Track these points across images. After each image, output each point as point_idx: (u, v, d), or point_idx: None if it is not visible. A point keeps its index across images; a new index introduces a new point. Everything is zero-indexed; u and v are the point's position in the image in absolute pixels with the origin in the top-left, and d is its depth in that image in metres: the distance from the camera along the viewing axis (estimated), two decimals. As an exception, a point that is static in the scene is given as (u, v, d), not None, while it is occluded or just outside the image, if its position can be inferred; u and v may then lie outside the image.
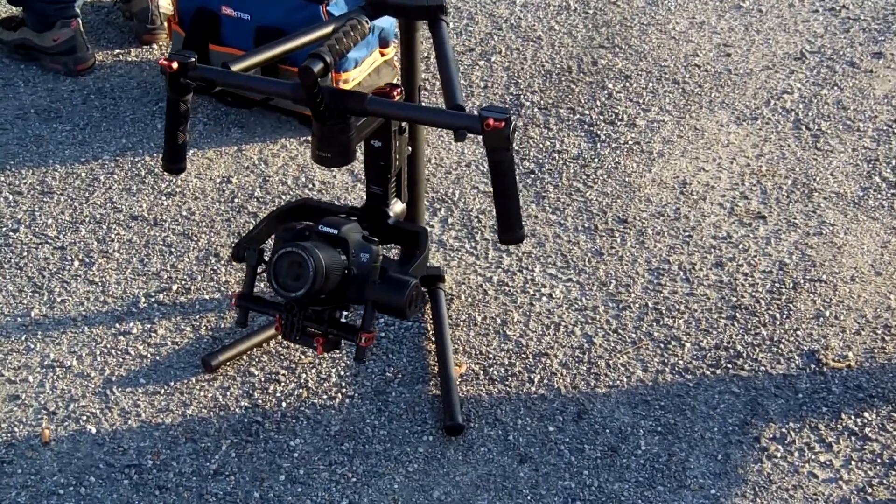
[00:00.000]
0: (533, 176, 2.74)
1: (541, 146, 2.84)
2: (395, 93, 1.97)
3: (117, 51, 3.23)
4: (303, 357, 2.24)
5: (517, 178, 1.86)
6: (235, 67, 1.96)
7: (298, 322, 1.85)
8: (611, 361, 2.24)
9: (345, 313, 1.89)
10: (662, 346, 2.28)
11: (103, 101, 3.01)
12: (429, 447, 2.07)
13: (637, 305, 2.37)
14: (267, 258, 1.82)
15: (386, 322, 2.33)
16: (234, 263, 2.39)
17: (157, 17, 3.20)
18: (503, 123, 1.78)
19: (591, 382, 2.20)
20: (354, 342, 1.82)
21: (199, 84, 1.96)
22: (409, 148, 2.20)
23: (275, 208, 2.52)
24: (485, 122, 1.78)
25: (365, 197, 2.05)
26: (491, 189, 2.61)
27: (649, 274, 2.45)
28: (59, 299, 2.38)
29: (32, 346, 2.27)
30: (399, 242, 2.07)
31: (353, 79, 2.82)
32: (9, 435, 2.09)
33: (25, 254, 2.50)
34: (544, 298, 2.39)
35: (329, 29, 2.01)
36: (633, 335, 2.30)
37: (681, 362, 2.24)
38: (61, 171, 2.75)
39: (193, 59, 1.95)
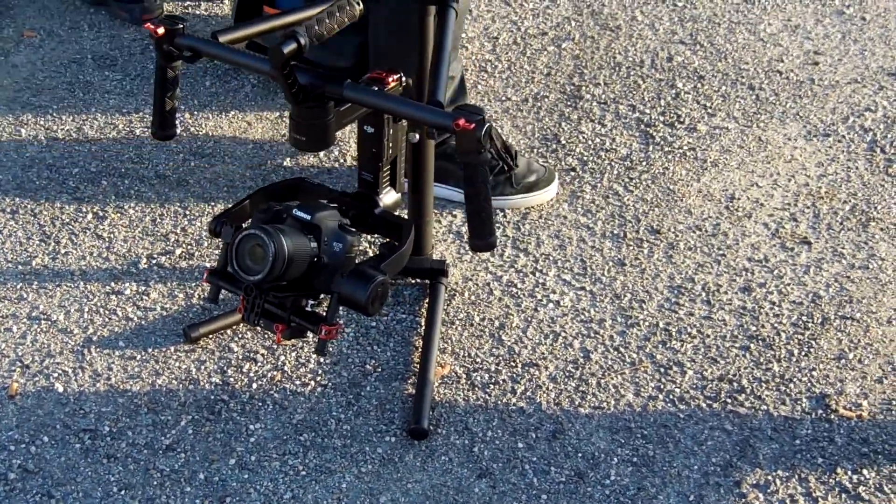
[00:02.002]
0: (573, 174, 2.61)
1: (589, 143, 2.71)
2: (389, 79, 1.87)
3: (188, 3, 3.21)
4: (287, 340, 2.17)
5: (488, 183, 1.74)
6: (223, 39, 1.89)
7: (258, 306, 1.78)
8: (603, 381, 2.11)
9: (311, 302, 1.81)
10: (662, 370, 2.13)
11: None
12: (388, 448, 1.98)
13: (647, 324, 2.23)
14: None
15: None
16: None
17: (229, -28, 3.16)
18: (473, 126, 1.67)
19: (575, 401, 2.07)
20: (315, 333, 1.75)
21: (185, 53, 1.90)
22: (416, 136, 2.10)
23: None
24: (455, 122, 1.67)
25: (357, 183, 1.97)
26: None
27: (669, 291, 2.30)
28: (62, 251, 2.36)
29: (25, 296, 2.26)
30: (384, 234, 1.98)
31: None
32: (-22, 383, 2.08)
33: (43, 201, 2.49)
34: (550, 305, 2.27)
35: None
36: (634, 355, 2.16)
37: (677, 390, 2.10)
38: (100, 121, 2.73)
39: (181, 26, 1.89)
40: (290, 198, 2.01)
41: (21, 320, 2.21)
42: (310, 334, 1.79)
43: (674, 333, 2.21)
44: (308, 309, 1.79)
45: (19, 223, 2.43)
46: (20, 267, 2.32)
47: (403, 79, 1.89)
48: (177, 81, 1.96)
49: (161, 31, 1.88)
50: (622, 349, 2.18)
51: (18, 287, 2.28)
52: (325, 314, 1.76)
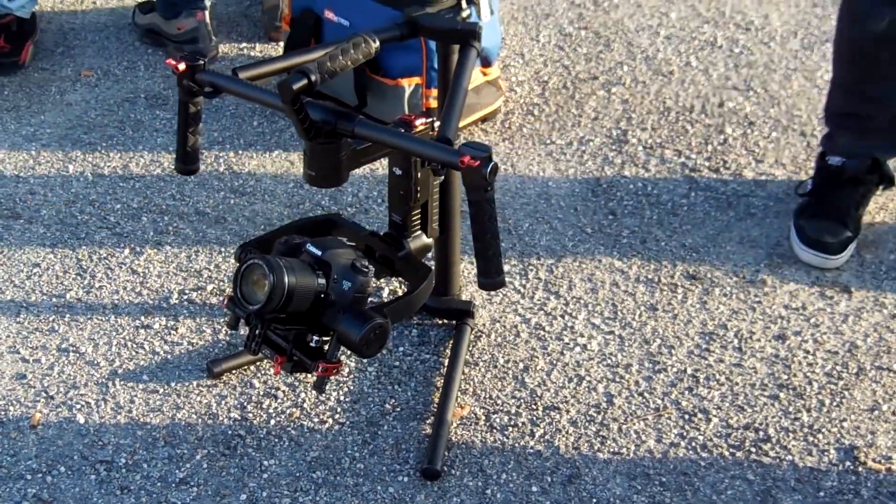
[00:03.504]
0: (611, 217, 2.58)
1: (630, 187, 2.67)
2: (418, 122, 1.86)
3: (244, 44, 3.25)
4: (310, 376, 2.16)
5: (497, 221, 1.72)
6: (244, 75, 1.91)
7: (259, 335, 1.78)
8: (624, 426, 2.07)
9: (316, 338, 1.80)
10: (686, 417, 2.08)
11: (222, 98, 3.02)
12: (400, 488, 1.96)
13: (674, 370, 2.18)
14: None
15: (403, 352, 2.23)
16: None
17: (286, 15, 3.20)
18: (478, 162, 1.65)
19: (595, 445, 2.03)
20: (312, 370, 1.74)
21: (206, 88, 1.93)
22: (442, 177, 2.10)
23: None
24: (461, 159, 1.66)
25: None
26: (566, 226, 2.48)
27: (700, 337, 2.25)
28: (97, 285, 2.39)
29: (56, 328, 2.29)
30: (406, 278, 1.97)
31: (443, 96, 2.72)
32: (2, 413, 2.11)
33: (83, 236, 2.53)
34: (577, 349, 2.23)
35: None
36: (659, 401, 2.12)
37: (700, 437, 2.04)
38: (146, 158, 2.78)
39: (202, 62, 1.91)
40: (323, 233, 2.02)
41: (50, 352, 2.24)
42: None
43: (701, 380, 2.16)
44: (312, 344, 1.78)
45: (58, 256, 2.47)
46: (54, 299, 2.36)
47: (435, 122, 1.89)
48: (199, 117, 1.98)
49: (182, 66, 1.90)
50: (647, 394, 2.13)
51: (51, 319, 2.31)
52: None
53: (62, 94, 3.01)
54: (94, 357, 2.22)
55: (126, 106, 2.98)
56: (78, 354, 2.23)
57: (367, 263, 1.75)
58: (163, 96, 3.02)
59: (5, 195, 2.65)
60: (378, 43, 1.82)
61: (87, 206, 2.62)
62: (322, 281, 1.70)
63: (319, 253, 1.74)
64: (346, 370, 2.17)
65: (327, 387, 2.13)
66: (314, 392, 2.13)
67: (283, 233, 1.94)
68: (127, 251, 2.48)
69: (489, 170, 1.66)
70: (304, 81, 1.70)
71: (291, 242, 1.84)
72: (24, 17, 3.06)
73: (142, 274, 2.42)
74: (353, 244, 1.95)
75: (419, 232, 1.94)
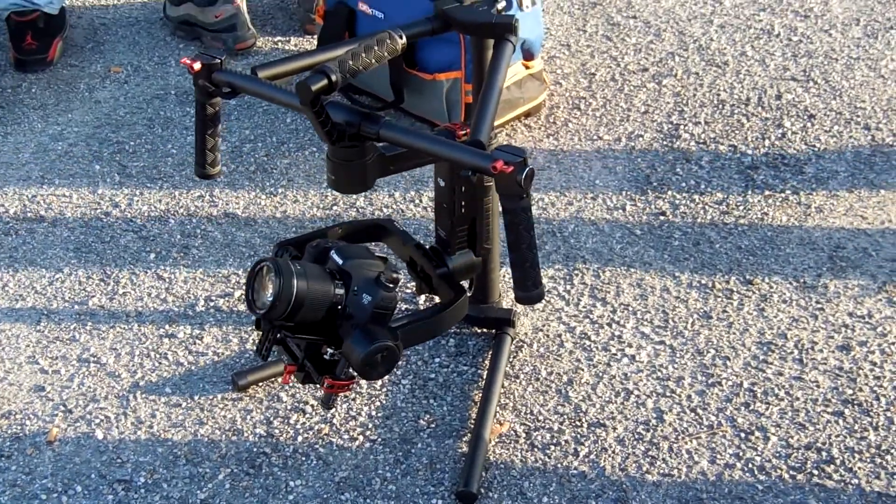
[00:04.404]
0: (662, 218, 2.43)
1: (683, 184, 2.52)
2: (461, 132, 1.74)
3: (278, 38, 3.14)
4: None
5: (534, 230, 1.59)
6: (262, 74, 1.80)
7: (269, 340, 1.67)
8: (675, 445, 1.93)
9: (331, 350, 1.68)
10: (743, 435, 1.94)
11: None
12: (434, 513, 1.83)
13: (729, 383, 2.04)
14: None
15: (440, 363, 2.10)
16: None
17: (321, 7, 3.09)
18: (512, 168, 1.52)
19: (643, 466, 1.89)
20: (318, 384, 1.63)
21: (224, 89, 1.81)
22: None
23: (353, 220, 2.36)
24: (493, 164, 1.53)
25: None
26: (614, 227, 2.34)
27: (757, 348, 2.11)
28: (121, 291, 2.29)
29: (77, 337, 2.19)
30: (440, 298, 1.84)
31: (484, 90, 2.58)
32: (19, 427, 2.01)
33: (108, 240, 2.42)
34: (625, 360, 2.09)
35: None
36: (713, 417, 1.97)
37: (758, 458, 1.90)
38: (176, 158, 2.67)
39: (219, 61, 1.80)
40: (372, 238, 1.91)
41: (70, 362, 2.13)
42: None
43: (759, 395, 2.01)
44: (326, 357, 1.66)
45: (81, 261, 2.36)
46: (76, 307, 2.25)
47: None
48: (218, 118, 1.87)
49: (197, 66, 1.79)
50: (700, 410, 1.99)
51: (72, 327, 2.21)
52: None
53: (91, 91, 2.91)
54: (116, 368, 2.12)
55: (156, 103, 2.87)
56: (99, 365, 2.12)
57: (395, 277, 1.62)
58: (194, 93, 2.90)
59: (30, 197, 2.55)
60: (405, 39, 1.69)
61: (112, 208, 2.51)
62: (340, 291, 1.59)
63: (340, 262, 1.62)
64: (379, 384, 2.05)
65: (356, 402, 2.01)
66: (342, 406, 2.01)
67: (324, 234, 1.83)
68: (153, 255, 2.38)
69: (524, 176, 1.53)
70: (324, 82, 1.58)
71: (322, 247, 1.73)
72: (52, 14, 2.96)
73: (167, 279, 2.31)
74: (399, 254, 1.84)
75: (466, 250, 1.81)
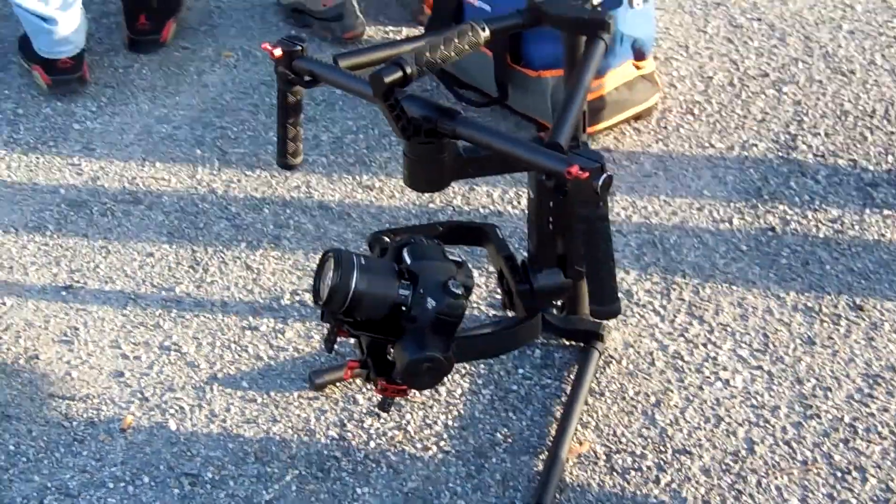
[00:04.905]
0: (771, 233, 2.31)
1: (796, 199, 2.40)
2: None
3: (390, 27, 3.08)
4: (417, 395, 1.99)
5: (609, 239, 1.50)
6: (344, 63, 1.75)
7: (334, 333, 1.63)
8: (764, 480, 1.82)
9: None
10: (839, 474, 1.82)
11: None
12: (503, 533, 1.76)
13: (829, 416, 1.92)
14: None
15: (523, 375, 2.03)
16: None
17: (435, -3, 3.02)
18: (588, 174, 1.44)
19: (728, 500, 1.79)
20: (372, 384, 1.58)
21: (305, 77, 1.76)
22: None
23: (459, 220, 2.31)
24: (568, 169, 1.45)
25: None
26: (718, 241, 2.22)
27: (862, 380, 1.98)
28: (209, 279, 2.26)
29: (161, 324, 2.17)
30: (516, 315, 1.78)
31: (594, 88, 2.49)
32: (95, 412, 2.00)
33: (202, 226, 2.40)
34: (718, 384, 1.99)
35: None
36: (809, 453, 1.86)
37: (853, 500, 1.78)
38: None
39: (300, 48, 1.75)
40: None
41: (152, 349, 2.12)
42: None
43: (860, 431, 1.89)
44: (389, 357, 1.61)
45: (172, 247, 2.35)
46: (164, 292, 2.24)
47: (581, 140, 1.69)
48: (299, 107, 1.82)
49: (278, 52, 1.74)
50: (794, 444, 1.88)
51: (157, 314, 2.19)
52: None
53: (200, 74, 2.90)
54: (196, 358, 2.09)
55: (262, 89, 2.84)
56: (179, 354, 2.10)
57: (467, 284, 1.56)
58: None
59: (129, 178, 2.54)
60: (488, 32, 1.62)
61: (209, 194, 2.49)
62: (405, 292, 1.54)
63: (409, 261, 1.57)
64: (458, 392, 1.98)
65: (433, 409, 1.95)
66: (417, 413, 1.95)
67: (422, 231, 1.79)
68: (244, 245, 2.35)
69: (600, 183, 1.45)
70: (398, 74, 1.53)
71: (402, 243, 1.68)
72: (166, -6, 2.96)
73: (256, 270, 2.28)
74: (494, 263, 1.79)
75: (556, 269, 1.74)
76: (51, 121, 2.71)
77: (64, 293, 2.24)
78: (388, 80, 1.51)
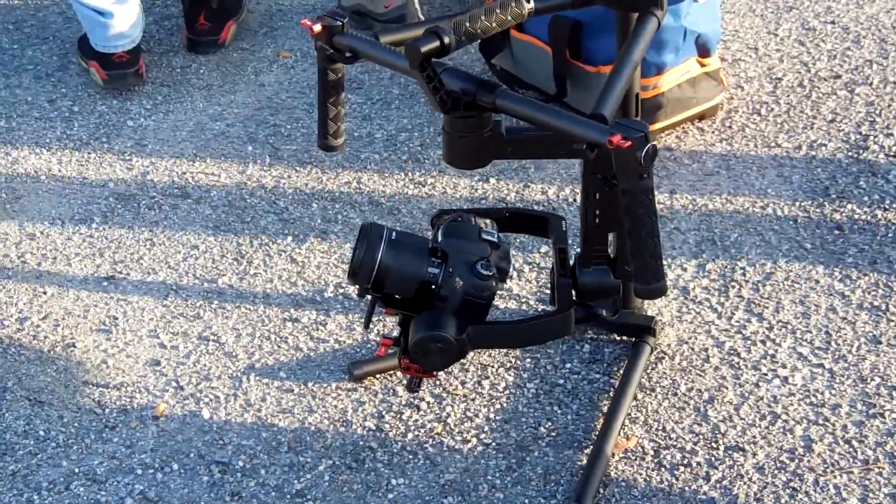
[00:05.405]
0: (837, 232, 2.20)
1: (865, 198, 2.29)
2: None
3: (451, 32, 3.03)
4: (460, 387, 1.91)
5: (656, 216, 1.42)
6: (385, 39, 1.69)
7: (370, 309, 1.57)
8: (822, 478, 1.71)
9: None
10: (903, 475, 1.71)
11: (409, 77, 2.82)
12: (541, 527, 1.67)
13: (893, 416, 1.80)
14: None
15: (570, 369, 1.94)
16: None
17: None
18: (630, 143, 1.36)
19: (782, 498, 1.68)
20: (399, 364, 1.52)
21: (346, 53, 1.71)
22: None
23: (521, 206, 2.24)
24: (610, 139, 1.37)
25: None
26: (782, 239, 2.12)
27: (931, 379, 1.86)
28: (252, 272, 2.21)
29: (201, 315, 2.12)
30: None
31: (652, 86, 2.41)
32: (128, 399, 1.95)
33: (249, 220, 2.36)
34: (776, 381, 1.89)
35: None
36: (870, 452, 1.75)
37: (917, 502, 1.66)
38: (329, 143, 2.59)
39: (341, 23, 1.70)
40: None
41: (190, 339, 2.07)
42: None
43: (927, 431, 1.77)
44: None
45: (219, 239, 2.30)
46: (206, 284, 2.19)
47: None
48: (340, 85, 1.77)
49: (318, 27, 1.69)
50: (855, 443, 1.76)
51: (198, 304, 2.14)
52: None
53: (257, 74, 2.87)
54: (234, 348, 2.04)
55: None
56: (218, 344, 2.05)
57: (501, 267, 1.50)
58: (358, 80, 2.83)
59: (179, 173, 2.51)
60: (532, 4, 1.55)
61: (258, 189, 2.45)
62: (434, 270, 1.47)
63: (441, 239, 1.51)
64: (502, 386, 1.90)
65: (475, 402, 1.87)
66: (458, 406, 1.88)
67: (488, 213, 1.73)
68: (290, 238, 2.30)
69: (644, 153, 1.36)
70: (436, 43, 1.46)
71: (445, 221, 1.63)
72: (227, -5, 2.95)
73: (301, 263, 2.23)
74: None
75: (605, 267, 1.67)
76: (105, 118, 2.70)
77: (105, 283, 2.21)
78: (424, 49, 1.45)
